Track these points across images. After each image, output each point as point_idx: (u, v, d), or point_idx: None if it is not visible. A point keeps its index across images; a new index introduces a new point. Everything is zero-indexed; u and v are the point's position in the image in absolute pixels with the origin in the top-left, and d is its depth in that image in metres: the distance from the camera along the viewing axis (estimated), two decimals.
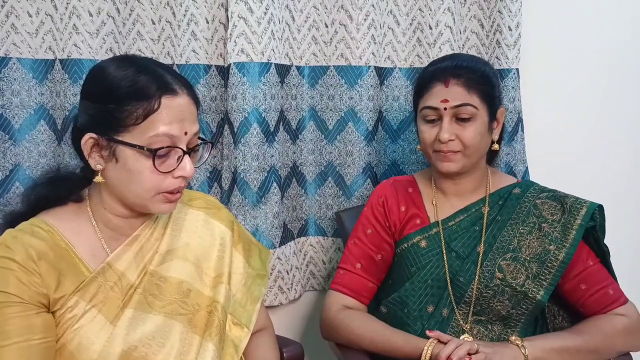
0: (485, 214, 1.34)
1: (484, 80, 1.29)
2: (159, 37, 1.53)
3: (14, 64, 1.41)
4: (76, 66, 1.42)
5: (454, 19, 1.66)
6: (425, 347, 1.19)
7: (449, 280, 1.30)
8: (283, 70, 1.58)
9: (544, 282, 1.26)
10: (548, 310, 1.39)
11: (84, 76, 1.03)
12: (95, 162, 0.98)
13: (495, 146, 1.35)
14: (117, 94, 0.95)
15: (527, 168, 1.77)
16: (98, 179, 0.99)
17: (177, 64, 1.51)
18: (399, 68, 1.70)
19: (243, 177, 1.51)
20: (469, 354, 1.15)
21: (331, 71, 1.66)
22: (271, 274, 1.58)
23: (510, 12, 1.67)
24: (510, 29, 1.68)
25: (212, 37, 1.53)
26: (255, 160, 1.51)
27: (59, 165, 1.40)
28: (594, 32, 1.81)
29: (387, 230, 1.38)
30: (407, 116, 1.72)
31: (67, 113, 1.44)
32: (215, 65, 1.55)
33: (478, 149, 1.30)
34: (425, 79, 1.32)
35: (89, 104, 0.98)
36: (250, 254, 1.22)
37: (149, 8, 1.51)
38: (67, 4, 1.41)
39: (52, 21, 1.43)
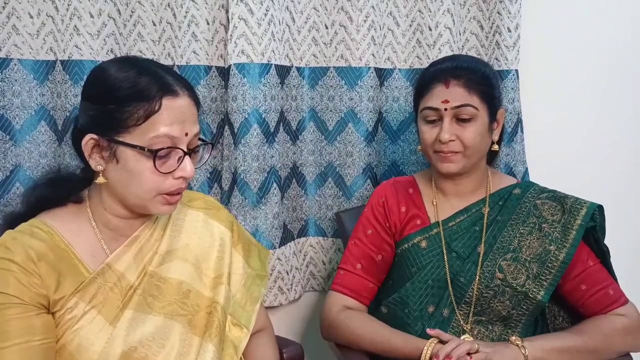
0: (486, 215, 1.34)
1: (484, 81, 1.30)
2: (159, 38, 1.53)
3: (15, 65, 1.41)
4: (77, 67, 1.42)
5: (453, 21, 1.66)
6: (425, 348, 1.19)
7: (449, 281, 1.30)
8: (283, 72, 1.58)
9: (545, 283, 1.26)
10: (548, 311, 1.39)
11: (85, 77, 1.03)
12: (96, 162, 0.99)
13: (495, 147, 1.35)
14: (118, 95, 0.95)
15: (526, 169, 1.77)
16: (99, 179, 0.99)
17: (177, 65, 1.52)
18: (399, 69, 1.71)
19: (243, 177, 1.52)
20: (469, 354, 1.15)
21: (331, 72, 1.66)
22: (271, 274, 1.58)
23: (510, 13, 1.67)
24: (509, 30, 1.68)
25: (212, 38, 1.53)
26: (255, 161, 1.51)
27: (60, 166, 1.40)
28: (594, 32, 1.81)
29: (388, 230, 1.38)
30: (407, 117, 1.72)
31: (67, 114, 1.44)
32: (215, 67, 1.55)
33: (478, 150, 1.30)
34: (425, 80, 1.32)
35: (89, 105, 0.98)
36: (250, 255, 1.22)
37: (150, 9, 1.51)
38: (68, 5, 1.41)
39: (53, 22, 1.43)
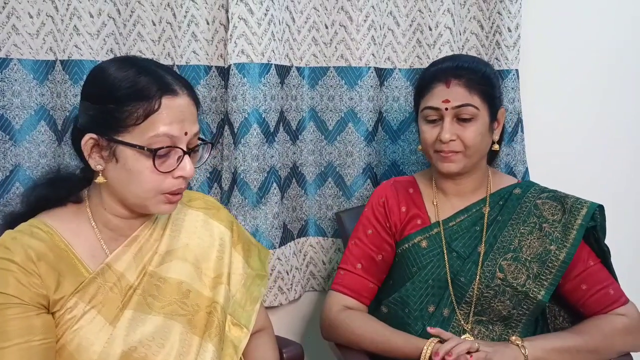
0: (486, 214, 1.34)
1: (485, 80, 1.29)
2: (159, 38, 1.53)
3: (15, 65, 1.41)
4: (77, 67, 1.42)
5: (453, 20, 1.66)
6: (425, 347, 1.19)
7: (449, 280, 1.30)
8: (283, 71, 1.58)
9: (545, 282, 1.26)
10: (549, 311, 1.39)
11: (85, 77, 1.03)
12: (96, 162, 0.98)
13: (496, 146, 1.35)
14: (117, 94, 0.95)
15: (527, 168, 1.77)
16: (99, 179, 0.99)
17: (177, 65, 1.52)
18: (399, 69, 1.71)
19: (243, 177, 1.52)
20: (469, 352, 1.15)
21: (331, 72, 1.66)
22: (271, 274, 1.58)
23: (510, 13, 1.67)
24: (509, 30, 1.68)
25: (212, 38, 1.53)
26: (255, 161, 1.51)
27: (59, 166, 1.40)
28: (594, 32, 1.81)
29: (388, 230, 1.38)
30: (407, 117, 1.72)
31: (67, 114, 1.44)
32: (215, 66, 1.55)
33: (479, 149, 1.30)
34: (426, 80, 1.32)
35: (89, 105, 0.98)
36: (250, 254, 1.22)
37: (150, 9, 1.51)
38: (68, 5, 1.41)
39: (53, 22, 1.43)
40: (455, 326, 1.29)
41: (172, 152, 0.97)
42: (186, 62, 1.52)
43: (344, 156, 1.68)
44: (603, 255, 1.31)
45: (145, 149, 0.95)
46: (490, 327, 1.29)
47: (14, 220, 1.04)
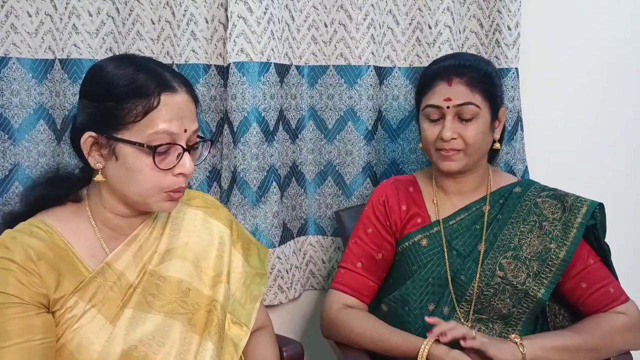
0: (486, 213, 1.34)
1: (487, 79, 1.29)
2: (158, 36, 1.53)
3: (14, 63, 1.41)
4: (76, 66, 1.42)
5: (453, 19, 1.66)
6: (422, 346, 1.19)
7: (449, 279, 1.30)
8: (282, 70, 1.58)
9: (545, 281, 1.26)
10: (549, 310, 1.39)
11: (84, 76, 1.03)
12: (95, 160, 0.98)
13: (497, 145, 1.35)
14: (116, 92, 0.95)
15: (526, 167, 1.77)
16: (99, 177, 0.98)
17: (176, 64, 1.51)
18: (399, 67, 1.70)
19: (242, 176, 1.51)
20: (465, 339, 1.15)
21: (330, 71, 1.66)
22: (271, 273, 1.58)
23: (510, 11, 1.67)
24: (509, 29, 1.68)
25: (211, 36, 1.53)
26: (254, 160, 1.51)
27: (59, 165, 1.40)
28: (594, 30, 1.81)
29: (388, 229, 1.38)
30: (406, 115, 1.72)
31: (66, 113, 1.44)
32: (214, 65, 1.55)
33: (480, 148, 1.30)
34: (428, 78, 1.32)
35: (88, 103, 0.98)
36: (249, 253, 1.22)
37: (149, 8, 1.51)
38: (66, 4, 1.41)
39: (52, 21, 1.43)
40: None
41: (172, 149, 0.97)
42: (185, 61, 1.51)
43: (343, 155, 1.67)
44: (603, 253, 1.31)
45: (145, 146, 0.94)
46: (490, 326, 1.29)
47: (13, 220, 1.04)
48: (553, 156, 1.82)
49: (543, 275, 1.26)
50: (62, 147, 1.46)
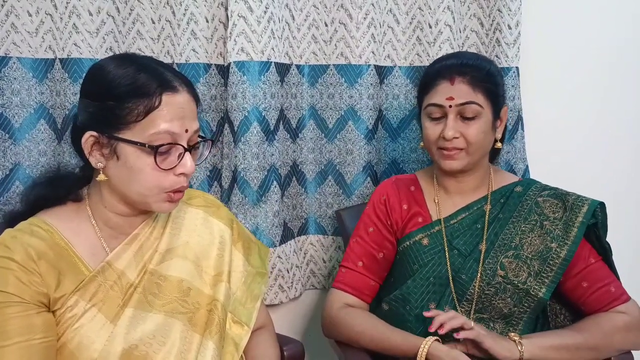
0: (487, 212, 1.34)
1: (489, 78, 1.29)
2: (158, 36, 1.53)
3: (14, 63, 1.41)
4: (76, 65, 1.42)
5: (453, 18, 1.66)
6: (422, 346, 1.19)
7: (451, 278, 1.30)
8: (283, 69, 1.58)
9: (546, 280, 1.26)
10: (550, 309, 1.39)
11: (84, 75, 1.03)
12: (96, 160, 0.98)
13: (498, 144, 1.35)
14: (117, 91, 0.95)
15: (527, 166, 1.76)
16: (100, 177, 0.98)
17: (177, 63, 1.51)
18: (399, 67, 1.70)
19: (243, 175, 1.51)
20: (463, 329, 1.15)
21: (331, 70, 1.65)
22: (271, 272, 1.58)
23: (510, 10, 1.67)
24: (509, 28, 1.68)
25: (212, 36, 1.53)
26: (255, 159, 1.51)
27: (59, 164, 1.41)
28: (594, 29, 1.81)
29: (389, 228, 1.38)
30: (407, 115, 1.72)
31: (67, 112, 1.44)
32: (215, 64, 1.55)
33: (481, 147, 1.30)
34: (430, 76, 1.32)
35: (89, 102, 0.98)
36: (250, 252, 1.22)
37: (149, 7, 1.50)
38: (67, 3, 1.41)
39: (52, 20, 1.43)
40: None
41: (173, 149, 0.97)
42: (186, 60, 1.51)
43: (344, 154, 1.67)
44: (604, 252, 1.31)
45: (147, 145, 0.94)
46: (491, 325, 1.29)
47: (13, 219, 1.04)
48: (554, 155, 1.82)
49: (544, 275, 1.26)
50: (63, 146, 1.46)
